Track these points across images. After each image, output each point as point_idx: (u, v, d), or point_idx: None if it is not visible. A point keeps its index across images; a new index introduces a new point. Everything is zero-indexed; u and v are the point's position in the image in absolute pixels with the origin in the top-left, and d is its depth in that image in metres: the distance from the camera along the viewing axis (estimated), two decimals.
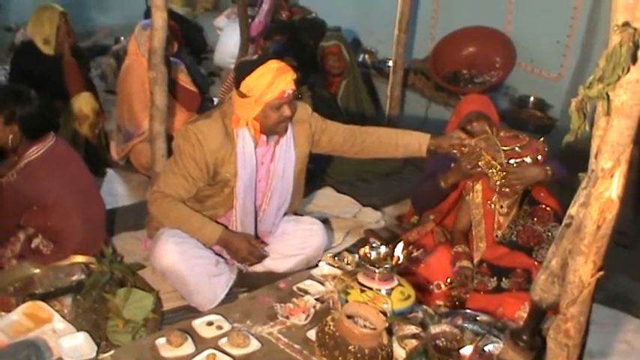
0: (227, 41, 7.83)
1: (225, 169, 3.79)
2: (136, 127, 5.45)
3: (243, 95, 3.65)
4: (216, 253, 3.97)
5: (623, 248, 4.43)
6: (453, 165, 4.06)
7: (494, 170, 3.78)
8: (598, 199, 2.10)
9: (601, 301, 3.81)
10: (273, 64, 3.62)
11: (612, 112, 2.02)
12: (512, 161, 3.75)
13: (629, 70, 1.94)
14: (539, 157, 3.79)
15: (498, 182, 3.79)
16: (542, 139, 3.95)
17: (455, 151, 3.95)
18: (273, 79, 3.59)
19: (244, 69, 3.66)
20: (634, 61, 1.93)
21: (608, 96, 2.04)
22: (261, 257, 3.99)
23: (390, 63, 6.84)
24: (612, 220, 2.13)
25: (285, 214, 4.21)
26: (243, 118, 3.72)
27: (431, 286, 3.89)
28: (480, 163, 3.82)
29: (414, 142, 4.06)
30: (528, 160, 3.77)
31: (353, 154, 4.22)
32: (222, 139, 3.75)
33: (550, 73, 6.54)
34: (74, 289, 3.61)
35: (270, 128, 3.75)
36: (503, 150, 3.75)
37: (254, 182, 3.89)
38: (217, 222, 3.91)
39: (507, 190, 3.83)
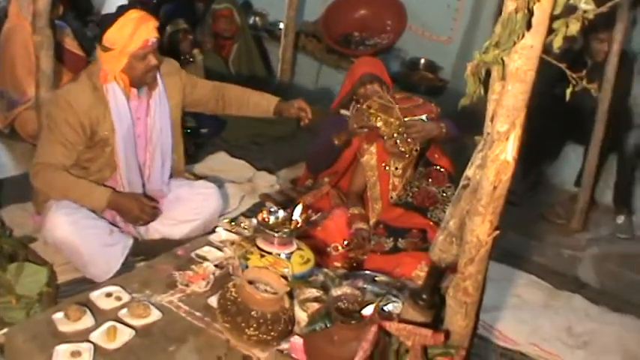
0: (114, 3, 7.60)
1: (101, 128, 3.72)
2: (21, 94, 5.25)
3: (106, 49, 3.62)
4: (110, 223, 3.88)
5: (512, 206, 4.58)
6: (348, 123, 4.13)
7: (390, 128, 3.81)
8: (494, 162, 2.16)
9: (492, 257, 3.93)
10: (134, 14, 3.62)
11: (507, 77, 2.07)
12: (407, 119, 3.80)
13: (523, 36, 1.99)
14: (433, 117, 3.86)
15: (396, 140, 3.81)
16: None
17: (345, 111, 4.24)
18: (135, 29, 3.58)
19: (105, 22, 3.66)
20: (529, 27, 1.97)
21: (503, 61, 2.08)
22: (154, 215, 3.93)
23: (282, 25, 6.82)
24: (507, 181, 2.20)
25: (171, 175, 4.17)
26: (110, 73, 3.67)
27: (328, 249, 3.93)
28: (377, 124, 3.85)
29: (264, 103, 4.34)
30: (424, 117, 3.84)
31: (215, 110, 4.39)
32: (93, 97, 3.68)
33: (440, 36, 6.67)
34: None
35: (139, 79, 3.73)
36: (399, 109, 3.79)
37: (133, 137, 3.84)
38: (105, 185, 3.84)
39: (404, 149, 3.88)
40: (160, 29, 3.75)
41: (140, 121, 3.86)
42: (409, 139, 3.86)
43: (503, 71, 2.11)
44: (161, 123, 3.93)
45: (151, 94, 3.86)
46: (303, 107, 4.21)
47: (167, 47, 5.65)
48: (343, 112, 4.41)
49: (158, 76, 3.86)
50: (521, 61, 2.03)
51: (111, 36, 3.59)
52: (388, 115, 3.82)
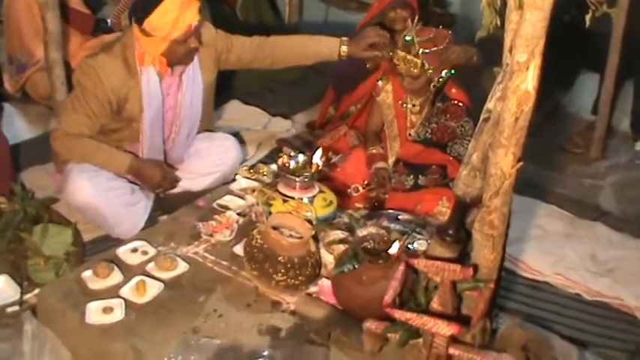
0: None
1: (129, 106, 3.68)
2: (29, 56, 5.21)
3: (147, 34, 3.50)
4: (130, 182, 3.88)
5: (529, 137, 4.56)
6: None
7: (411, 62, 3.76)
8: (515, 92, 2.13)
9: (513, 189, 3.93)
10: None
11: (525, 6, 2.03)
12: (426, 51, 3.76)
13: None
14: (447, 43, 3.82)
15: (416, 71, 3.77)
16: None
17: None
18: (179, 15, 3.44)
19: (146, 6, 3.49)
20: None
21: None
22: (175, 182, 3.94)
23: None
24: (529, 111, 2.18)
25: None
26: (149, 56, 3.59)
27: (349, 190, 3.94)
28: (395, 60, 3.81)
29: (325, 51, 3.94)
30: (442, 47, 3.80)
31: (264, 67, 4.16)
32: (125, 75, 3.62)
33: None
34: None
35: (177, 61, 3.66)
36: (419, 42, 3.74)
37: (161, 115, 3.80)
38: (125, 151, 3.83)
39: (432, 77, 3.84)
40: None
41: (170, 96, 3.81)
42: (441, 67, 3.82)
43: (519, 0, 2.07)
44: (192, 97, 3.87)
45: (184, 69, 3.77)
46: (379, 34, 3.82)
47: None
48: None
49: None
50: None
51: (153, 22, 3.45)
52: (410, 51, 3.76)
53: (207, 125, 4.22)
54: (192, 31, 3.52)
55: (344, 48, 3.87)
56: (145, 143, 3.82)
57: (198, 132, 4.12)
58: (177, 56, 3.60)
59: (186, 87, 3.81)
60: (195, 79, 3.84)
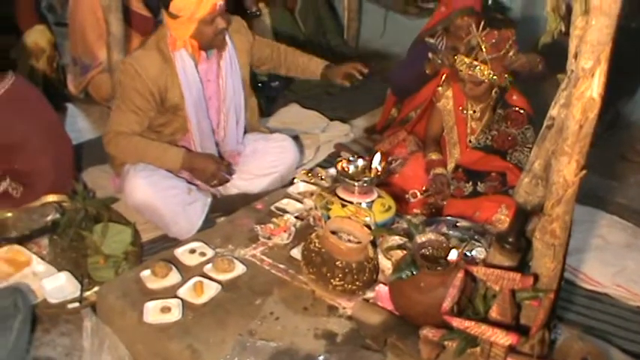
0: None
1: (171, 94, 3.74)
2: (93, 59, 5.30)
3: (174, 16, 3.58)
4: (188, 182, 3.91)
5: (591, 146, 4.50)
6: (430, 55, 4.21)
7: (475, 68, 3.73)
8: (580, 99, 2.09)
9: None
10: None
11: (591, 11, 1.99)
12: (493, 56, 3.73)
13: None
14: (511, 43, 3.79)
15: (486, 79, 3.75)
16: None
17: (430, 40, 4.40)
18: None
19: None
20: None
21: None
22: (230, 174, 3.94)
23: None
24: (594, 119, 2.13)
25: (246, 131, 4.18)
26: (179, 39, 3.65)
27: (407, 196, 3.93)
28: (457, 66, 3.80)
29: (312, 66, 4.28)
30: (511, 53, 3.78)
31: (267, 71, 4.41)
32: (161, 64, 3.68)
33: None
34: (50, 229, 3.57)
35: (208, 43, 3.71)
36: (485, 47, 3.71)
37: (204, 100, 3.85)
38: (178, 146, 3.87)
39: (497, 83, 3.82)
40: None
41: (211, 83, 3.86)
42: (504, 74, 3.80)
43: (585, 5, 2.04)
44: (233, 83, 3.91)
45: (221, 55, 3.83)
46: (356, 67, 4.14)
47: (232, 2, 5.62)
48: (428, 39, 4.49)
49: (227, 36, 3.82)
50: None
51: (178, 3, 3.53)
52: (475, 57, 3.73)
53: (254, 117, 4.27)
54: (217, 10, 3.58)
55: (322, 71, 4.23)
56: (195, 132, 3.85)
57: (247, 123, 4.18)
58: (206, 38, 3.66)
59: (226, 73, 3.87)
60: (233, 66, 3.90)
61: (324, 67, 4.24)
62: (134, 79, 3.66)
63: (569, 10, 2.19)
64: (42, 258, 3.40)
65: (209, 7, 3.54)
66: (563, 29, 2.23)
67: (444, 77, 4.12)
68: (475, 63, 3.71)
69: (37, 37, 5.24)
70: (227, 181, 3.94)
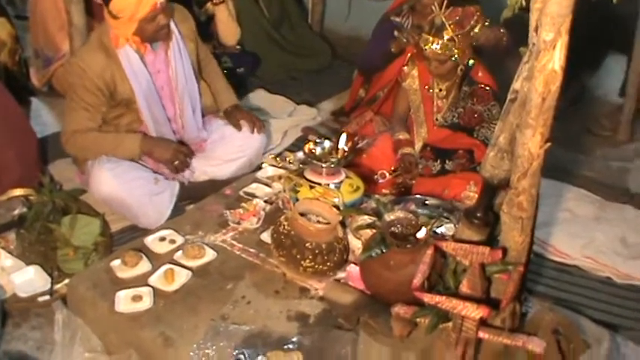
0: None
1: (121, 88, 3.71)
2: (55, 51, 5.23)
3: (114, 16, 3.54)
4: (154, 171, 3.89)
5: (555, 120, 4.52)
6: (396, 33, 4.28)
7: (443, 49, 3.74)
8: (542, 72, 2.10)
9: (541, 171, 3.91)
10: None
11: None
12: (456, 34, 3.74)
13: None
14: (478, 19, 3.80)
15: (454, 57, 3.77)
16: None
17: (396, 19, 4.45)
18: None
19: None
20: None
21: None
22: (190, 156, 3.91)
23: None
24: (556, 91, 2.14)
25: (203, 115, 4.16)
26: (121, 37, 3.62)
27: (375, 176, 3.93)
28: (422, 45, 3.80)
29: (221, 100, 4.30)
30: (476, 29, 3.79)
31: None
32: (105, 60, 3.65)
33: None
34: (17, 223, 3.51)
35: (151, 38, 3.68)
36: (449, 25, 3.72)
37: (155, 91, 3.82)
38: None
39: (461, 61, 3.83)
40: None
41: (160, 73, 3.83)
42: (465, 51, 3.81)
43: None
44: (184, 71, 3.89)
45: (168, 45, 3.79)
46: (253, 121, 4.19)
47: None
48: (393, 18, 4.53)
49: (173, 26, 3.78)
50: None
51: (117, 4, 3.49)
52: (440, 36, 3.73)
53: (209, 103, 4.27)
54: (158, 8, 3.55)
55: (226, 109, 4.27)
56: (149, 124, 3.83)
57: (208, 114, 4.19)
58: (148, 34, 3.63)
59: (175, 62, 3.84)
60: (182, 54, 3.87)
61: (229, 106, 4.27)
62: (81, 76, 3.63)
63: None
64: (10, 253, 3.35)
65: (149, 7, 3.50)
66: (524, 3, 2.23)
67: (409, 56, 4.13)
68: (439, 41, 3.71)
69: None
70: (188, 164, 3.91)
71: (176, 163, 3.80)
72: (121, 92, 3.71)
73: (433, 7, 3.81)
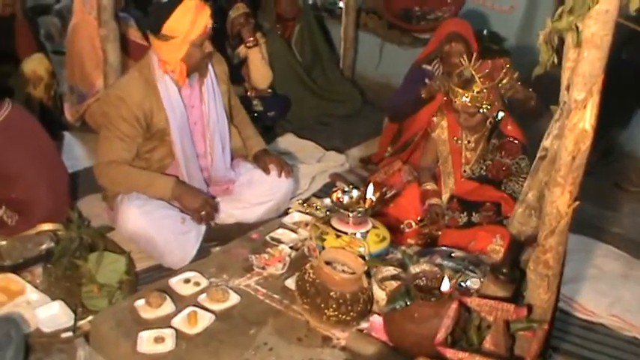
0: None
1: (156, 119, 3.75)
2: (89, 87, 5.32)
3: (167, 38, 3.61)
4: (181, 211, 3.89)
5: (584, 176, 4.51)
6: (427, 81, 4.37)
7: (472, 101, 3.75)
8: (572, 131, 2.12)
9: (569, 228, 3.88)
10: (190, 2, 3.59)
11: (583, 44, 2.02)
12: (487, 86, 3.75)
13: (598, 1, 1.94)
14: (505, 70, 3.82)
15: (483, 110, 3.78)
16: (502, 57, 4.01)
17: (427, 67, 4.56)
18: (195, 17, 3.58)
19: (163, 12, 3.63)
20: None
21: (577, 28, 2.03)
22: (216, 210, 3.93)
23: (342, 4, 6.80)
24: (586, 150, 2.16)
25: (232, 158, 4.17)
26: (171, 62, 3.68)
27: (402, 226, 3.92)
28: (451, 96, 3.83)
29: (250, 145, 4.31)
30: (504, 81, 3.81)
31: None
32: (144, 89, 3.71)
33: (502, 5, 6.54)
34: (44, 258, 3.53)
35: (195, 67, 3.74)
36: (479, 78, 3.73)
37: (188, 126, 3.86)
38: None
39: (490, 114, 3.84)
40: (221, 14, 3.76)
41: (194, 109, 3.88)
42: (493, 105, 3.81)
43: (577, 38, 2.06)
44: (216, 108, 3.94)
45: (203, 81, 3.87)
46: (281, 165, 4.20)
47: (231, 32, 5.67)
48: (425, 66, 4.60)
49: (209, 64, 3.88)
50: (597, 27, 1.98)
51: (172, 25, 3.57)
52: (469, 88, 3.74)
53: (238, 146, 4.28)
54: (207, 32, 3.65)
55: (255, 153, 4.27)
56: (180, 157, 3.84)
57: (236, 156, 4.21)
58: (195, 60, 3.69)
59: (209, 98, 3.90)
60: (215, 92, 3.94)
61: (258, 150, 4.28)
62: (119, 106, 3.68)
63: (561, 42, 2.20)
64: (36, 287, 3.37)
65: (201, 28, 3.60)
66: (555, 61, 2.24)
67: (438, 107, 4.15)
68: (468, 94, 3.72)
69: (35, 65, 5.25)
70: (213, 218, 3.93)
71: (202, 213, 3.81)
72: (156, 123, 3.75)
73: (462, 60, 3.83)
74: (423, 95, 4.36)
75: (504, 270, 2.57)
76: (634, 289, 3.83)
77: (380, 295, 2.92)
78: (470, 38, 4.37)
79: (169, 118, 3.74)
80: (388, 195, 3.89)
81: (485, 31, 6.53)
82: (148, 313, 2.92)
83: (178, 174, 3.89)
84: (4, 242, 3.59)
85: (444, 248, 3.45)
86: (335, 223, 3.19)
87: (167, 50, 3.65)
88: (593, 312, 3.65)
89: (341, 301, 2.77)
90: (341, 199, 3.22)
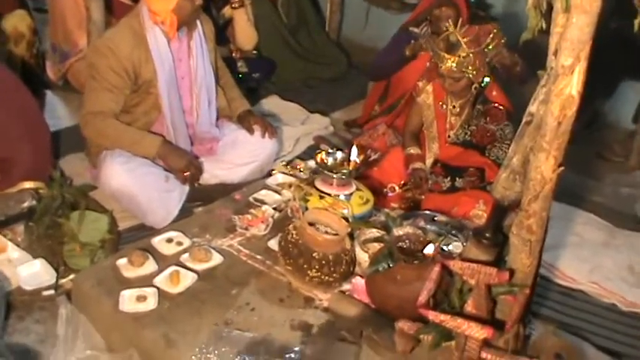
0: None
1: (144, 70, 3.74)
2: (72, 46, 5.27)
3: None
4: (165, 170, 3.88)
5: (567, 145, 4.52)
6: (413, 41, 4.43)
7: (458, 65, 3.74)
8: (559, 96, 2.11)
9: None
10: None
11: (572, 9, 2.00)
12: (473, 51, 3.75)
13: None
14: (493, 36, 3.81)
15: (468, 75, 3.78)
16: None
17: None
18: None
19: None
20: None
21: None
22: (200, 171, 3.94)
23: None
24: (572, 116, 2.15)
25: (218, 117, 4.18)
26: (161, 13, 3.67)
27: (385, 189, 3.93)
28: (436, 61, 3.82)
29: (234, 107, 4.31)
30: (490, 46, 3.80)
31: None
32: (133, 41, 3.70)
33: None
34: (26, 216, 3.51)
35: (185, 19, 3.74)
36: (464, 42, 3.72)
37: (175, 79, 3.85)
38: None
39: (475, 79, 3.83)
40: None
41: (182, 62, 3.88)
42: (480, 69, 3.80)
43: (566, 3, 2.05)
44: (204, 64, 3.95)
45: (191, 35, 3.87)
46: (265, 126, 4.20)
47: None
48: (412, 29, 4.62)
49: (198, 19, 3.88)
50: None
51: None
52: (455, 53, 3.73)
53: (224, 106, 4.29)
54: None
55: (239, 113, 4.28)
56: (167, 110, 3.83)
57: (221, 114, 4.23)
58: (185, 12, 3.70)
59: (197, 53, 3.90)
60: (203, 47, 3.94)
61: (242, 111, 4.28)
62: (107, 56, 3.66)
63: (550, 7, 2.19)
64: (17, 245, 3.36)
65: None
66: (544, 26, 2.23)
67: (424, 71, 4.15)
68: (454, 59, 3.71)
69: (16, 21, 5.17)
70: (197, 179, 3.93)
71: (186, 173, 3.80)
72: (144, 73, 3.74)
73: (448, 25, 3.81)
74: (407, 53, 4.41)
75: (487, 234, 2.58)
76: (614, 256, 3.87)
77: (362, 257, 2.93)
78: (460, 3, 4.36)
79: (157, 69, 3.74)
80: (372, 158, 3.91)
81: None
82: (130, 272, 2.92)
83: (164, 130, 3.88)
84: None
85: (427, 212, 3.45)
86: (319, 184, 3.19)
87: (158, 0, 3.64)
88: (573, 278, 3.68)
89: (323, 262, 2.77)
90: (325, 161, 3.21)
